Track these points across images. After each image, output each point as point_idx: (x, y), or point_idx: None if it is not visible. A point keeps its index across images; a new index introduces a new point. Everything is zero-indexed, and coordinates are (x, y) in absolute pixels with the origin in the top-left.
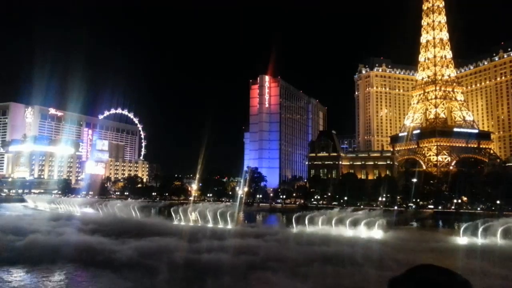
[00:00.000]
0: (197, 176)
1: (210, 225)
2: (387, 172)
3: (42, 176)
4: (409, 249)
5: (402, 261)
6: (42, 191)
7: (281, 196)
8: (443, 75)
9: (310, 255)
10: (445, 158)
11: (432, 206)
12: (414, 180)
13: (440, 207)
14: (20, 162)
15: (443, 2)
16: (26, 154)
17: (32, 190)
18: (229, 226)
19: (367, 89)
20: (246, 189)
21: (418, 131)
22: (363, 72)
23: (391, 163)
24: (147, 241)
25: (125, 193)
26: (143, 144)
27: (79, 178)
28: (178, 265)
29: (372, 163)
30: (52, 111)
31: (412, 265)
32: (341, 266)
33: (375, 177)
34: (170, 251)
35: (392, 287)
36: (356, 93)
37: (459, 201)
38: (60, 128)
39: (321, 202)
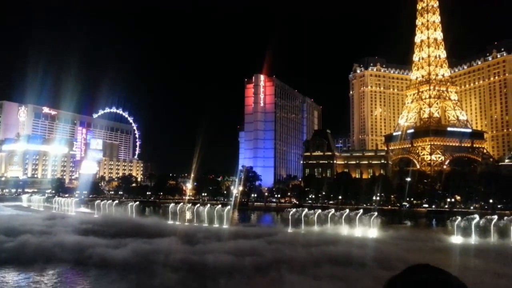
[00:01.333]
0: (192, 175)
1: (205, 224)
2: (381, 171)
3: (35, 176)
4: (415, 249)
5: (411, 261)
6: (35, 190)
7: (276, 195)
8: (437, 75)
9: (313, 255)
10: (439, 157)
11: (426, 205)
12: (408, 179)
13: (433, 206)
14: (13, 161)
15: (437, 2)
16: (20, 153)
17: (26, 190)
18: (224, 226)
19: (362, 88)
20: (241, 188)
21: (412, 130)
22: (358, 71)
23: (385, 162)
24: (145, 241)
25: (120, 193)
26: (138, 143)
27: (73, 177)
28: (179, 267)
29: (366, 162)
30: (46, 110)
31: (409, 265)
32: (352, 268)
33: (369, 176)
34: (170, 253)
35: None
36: (351, 92)
37: (453, 200)
38: (54, 127)
39: (316, 201)
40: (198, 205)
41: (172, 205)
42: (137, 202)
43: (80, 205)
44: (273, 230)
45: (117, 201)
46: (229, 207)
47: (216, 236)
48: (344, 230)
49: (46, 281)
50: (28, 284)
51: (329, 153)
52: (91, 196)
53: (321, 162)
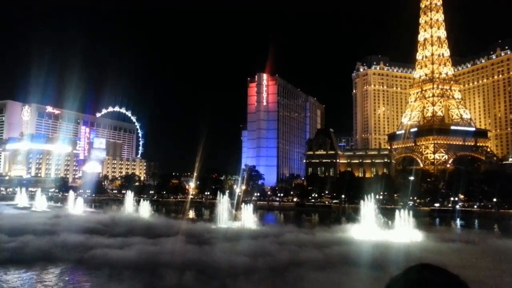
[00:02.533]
0: (195, 174)
1: (208, 223)
2: (385, 170)
3: (39, 175)
4: (437, 250)
5: (439, 263)
6: (39, 189)
7: (278, 194)
8: (440, 73)
9: (327, 256)
10: (442, 156)
11: (437, 204)
12: (412, 178)
13: (437, 205)
14: (17, 160)
15: (440, 0)
16: (23, 152)
17: (29, 189)
18: (227, 225)
19: (365, 87)
20: (243, 187)
21: (415, 129)
22: (361, 70)
23: (389, 161)
24: (151, 241)
25: (123, 192)
26: (141, 142)
27: (76, 176)
28: (190, 268)
29: (369, 161)
30: (49, 109)
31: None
32: (374, 271)
33: (372, 175)
34: (178, 253)
35: (390, 287)
36: (354, 91)
37: (456, 199)
38: (57, 126)
39: (319, 200)
40: (202, 203)
41: (175, 203)
42: (143, 201)
43: (83, 204)
44: (280, 229)
45: (120, 200)
46: (233, 205)
47: (223, 236)
48: (352, 229)
49: (48, 280)
50: (31, 284)
51: (332, 152)
52: (94, 195)
53: (324, 161)
